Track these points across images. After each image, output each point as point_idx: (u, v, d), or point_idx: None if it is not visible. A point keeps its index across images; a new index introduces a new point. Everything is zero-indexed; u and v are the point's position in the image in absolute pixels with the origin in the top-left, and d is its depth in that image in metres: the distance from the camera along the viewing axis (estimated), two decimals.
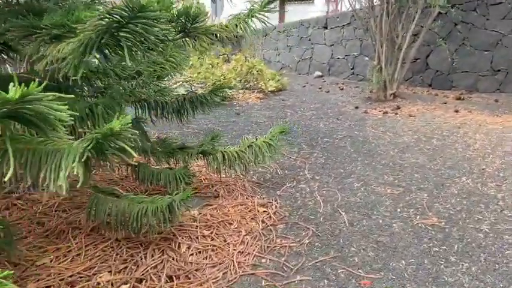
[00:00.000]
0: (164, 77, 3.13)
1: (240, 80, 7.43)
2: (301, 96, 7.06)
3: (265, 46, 10.72)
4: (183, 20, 2.35)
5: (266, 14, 2.72)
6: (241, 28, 2.49)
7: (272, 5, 2.57)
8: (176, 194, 2.23)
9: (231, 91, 6.46)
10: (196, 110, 2.92)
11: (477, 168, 3.61)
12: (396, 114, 5.69)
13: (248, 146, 2.89)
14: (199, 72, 6.27)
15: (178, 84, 6.13)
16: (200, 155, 2.90)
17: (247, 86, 7.08)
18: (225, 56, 7.17)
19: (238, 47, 10.39)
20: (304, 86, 8.27)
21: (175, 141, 3.01)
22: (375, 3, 6.54)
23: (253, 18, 2.61)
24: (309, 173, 3.56)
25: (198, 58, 6.75)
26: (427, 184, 3.30)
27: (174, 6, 2.36)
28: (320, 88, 7.97)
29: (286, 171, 3.60)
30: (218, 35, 2.48)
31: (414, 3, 6.38)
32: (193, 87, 6.13)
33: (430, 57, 7.63)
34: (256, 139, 3.01)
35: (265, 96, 6.92)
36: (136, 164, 2.69)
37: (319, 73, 9.46)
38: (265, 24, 2.54)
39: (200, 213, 2.68)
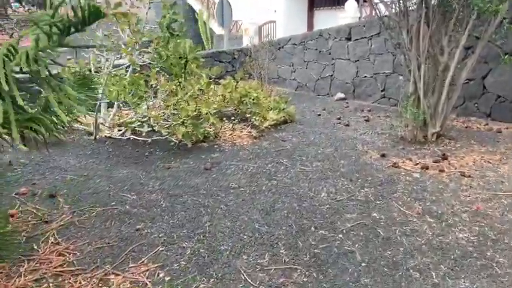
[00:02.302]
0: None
1: (236, 110, 5.79)
2: (310, 134, 5.32)
3: (280, 61, 9.04)
4: None
5: None
6: None
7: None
8: None
9: (211, 130, 4.86)
10: None
11: None
12: (441, 171, 3.83)
13: None
14: (168, 106, 4.71)
15: (133, 124, 4.58)
16: None
17: (235, 120, 5.41)
18: (212, 80, 5.57)
19: (236, 65, 8.77)
20: (319, 115, 6.50)
21: None
22: (409, 8, 4.70)
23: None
24: None
25: (179, 83, 5.18)
26: None
27: None
28: (339, 118, 6.16)
29: None
30: None
31: (467, 7, 4.50)
32: (156, 127, 4.56)
33: (487, 77, 5.66)
34: None
35: (262, 133, 5.24)
36: None
37: (342, 95, 7.66)
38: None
39: None
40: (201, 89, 5.55)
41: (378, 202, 3.20)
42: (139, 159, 4.37)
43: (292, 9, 16.97)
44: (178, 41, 5.15)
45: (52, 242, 2.62)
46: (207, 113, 4.60)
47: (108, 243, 2.63)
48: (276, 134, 5.32)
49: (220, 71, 5.66)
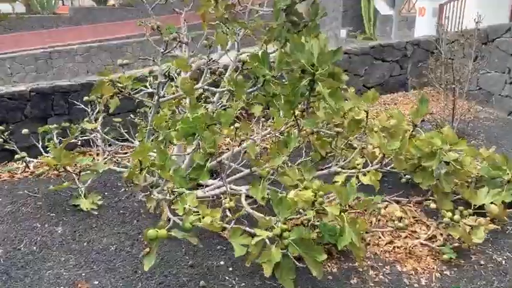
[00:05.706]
0: None
1: (410, 175, 2.94)
2: None
3: (484, 64, 5.55)
4: None
5: None
6: None
7: None
8: None
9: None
10: None
11: None
12: None
13: None
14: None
15: None
16: None
17: (404, 196, 2.54)
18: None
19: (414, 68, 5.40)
20: None
21: None
22: None
23: None
24: None
25: (290, 131, 2.63)
26: None
27: None
28: None
29: None
30: None
31: None
32: None
33: None
34: None
35: (463, 246, 2.33)
36: None
37: None
38: None
39: None
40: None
41: None
42: None
43: None
44: (304, 39, 2.52)
45: None
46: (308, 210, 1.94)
47: None
48: (496, 252, 2.33)
49: (374, 96, 2.84)
